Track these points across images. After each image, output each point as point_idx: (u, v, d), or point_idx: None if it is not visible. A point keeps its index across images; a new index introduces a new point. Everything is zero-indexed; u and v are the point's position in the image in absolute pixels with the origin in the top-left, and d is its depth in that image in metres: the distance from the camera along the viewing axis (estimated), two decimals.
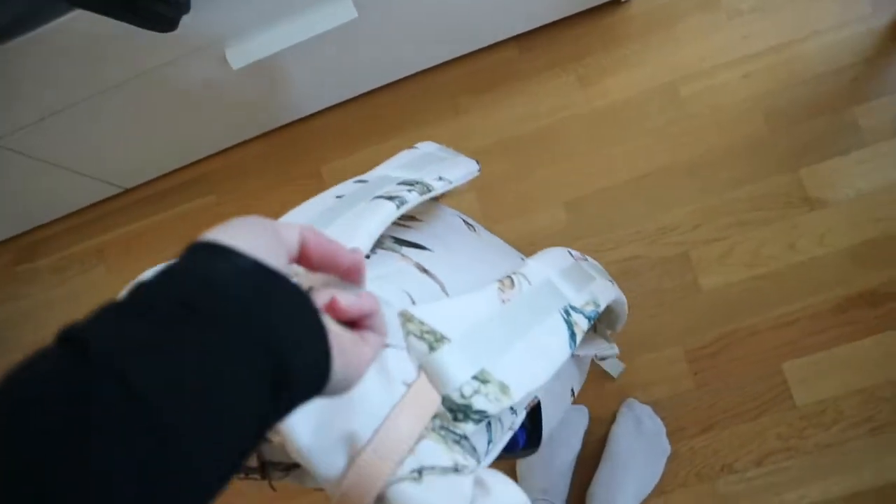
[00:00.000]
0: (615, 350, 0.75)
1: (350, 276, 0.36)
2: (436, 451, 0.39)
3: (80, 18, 0.79)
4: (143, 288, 0.27)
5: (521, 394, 0.43)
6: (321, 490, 0.42)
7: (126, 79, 0.93)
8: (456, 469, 0.39)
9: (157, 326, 0.25)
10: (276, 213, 1.12)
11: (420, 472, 0.38)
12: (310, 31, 0.91)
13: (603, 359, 0.84)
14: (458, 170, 0.63)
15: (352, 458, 0.37)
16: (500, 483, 0.40)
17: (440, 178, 0.59)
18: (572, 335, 0.51)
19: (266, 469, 0.48)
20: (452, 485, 0.38)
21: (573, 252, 0.64)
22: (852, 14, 1.05)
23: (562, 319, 0.51)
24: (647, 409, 0.99)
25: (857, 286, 0.99)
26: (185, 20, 0.77)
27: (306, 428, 0.38)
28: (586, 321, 0.54)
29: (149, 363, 0.23)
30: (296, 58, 0.99)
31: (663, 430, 0.98)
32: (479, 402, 0.41)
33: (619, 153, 1.08)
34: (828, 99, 1.03)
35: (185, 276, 0.28)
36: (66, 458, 0.21)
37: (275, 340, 0.27)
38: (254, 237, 0.30)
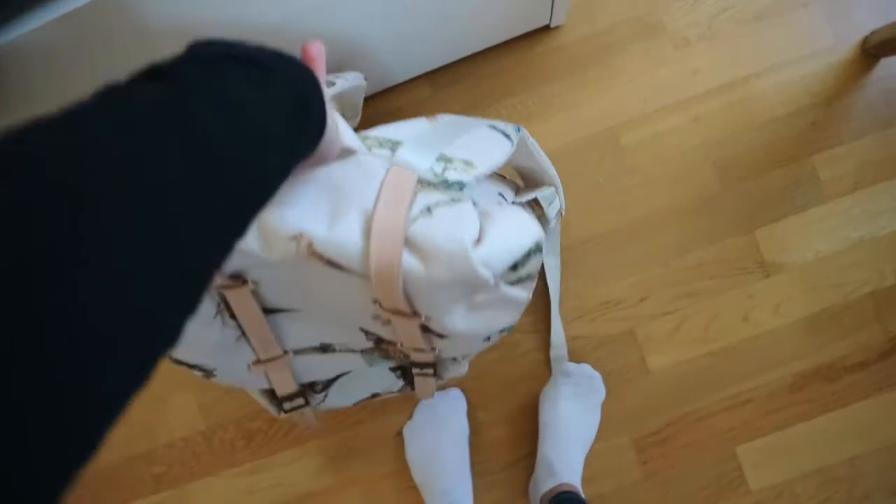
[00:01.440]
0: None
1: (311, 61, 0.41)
2: (434, 195, 0.44)
3: None
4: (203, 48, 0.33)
5: (484, 167, 0.49)
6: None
7: None
8: (457, 200, 0.44)
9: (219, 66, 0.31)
10: None
11: (429, 208, 0.43)
12: None
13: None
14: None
15: (367, 225, 0.42)
16: (503, 211, 0.46)
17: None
18: (507, 137, 0.57)
19: (306, 394, 0.60)
20: (460, 210, 0.43)
21: None
22: (812, 46, 0.91)
23: (490, 128, 0.57)
24: (582, 367, 0.90)
25: (814, 360, 0.90)
26: None
27: (320, 227, 0.42)
28: (514, 130, 0.59)
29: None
30: None
31: (598, 376, 0.90)
32: (452, 175, 0.46)
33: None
34: (785, 147, 0.91)
35: (227, 45, 0.33)
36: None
37: (299, 83, 0.35)
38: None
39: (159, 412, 0.99)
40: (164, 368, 0.98)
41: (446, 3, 0.75)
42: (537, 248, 0.47)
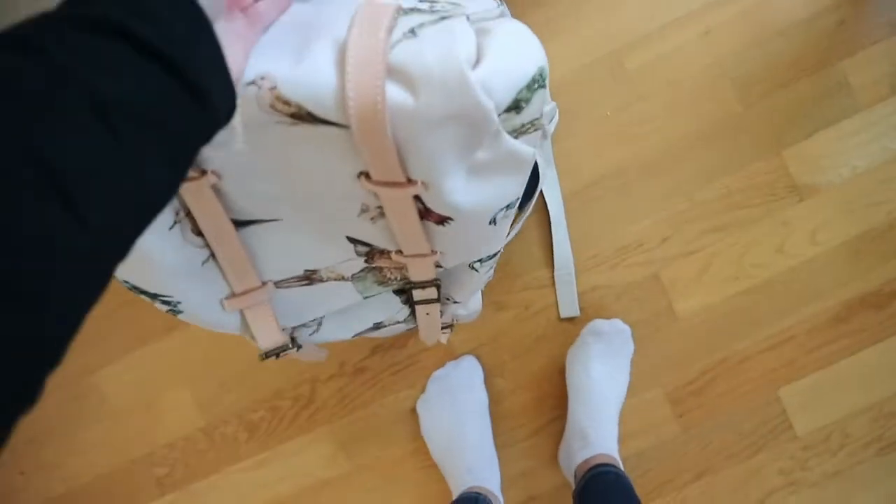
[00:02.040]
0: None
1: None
2: (419, 16, 0.37)
3: None
4: None
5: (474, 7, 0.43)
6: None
7: None
8: (445, 17, 0.37)
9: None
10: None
11: (412, 30, 0.36)
12: None
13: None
14: None
15: (340, 56, 0.35)
16: (503, 24, 0.39)
17: None
18: None
19: (295, 340, 0.55)
20: (450, 26, 0.36)
21: None
22: None
23: None
24: (613, 323, 0.82)
25: (858, 288, 0.82)
26: None
27: (284, 65, 0.36)
28: None
29: None
30: None
31: (628, 331, 0.82)
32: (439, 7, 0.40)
33: (556, 155, 0.84)
34: (810, 53, 0.81)
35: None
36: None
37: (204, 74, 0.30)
38: None
39: (154, 411, 0.92)
40: (153, 365, 0.91)
41: None
42: (542, 79, 0.39)
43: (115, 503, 0.94)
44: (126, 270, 0.44)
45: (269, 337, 0.52)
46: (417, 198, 0.42)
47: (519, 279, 0.85)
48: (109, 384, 0.93)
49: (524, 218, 0.73)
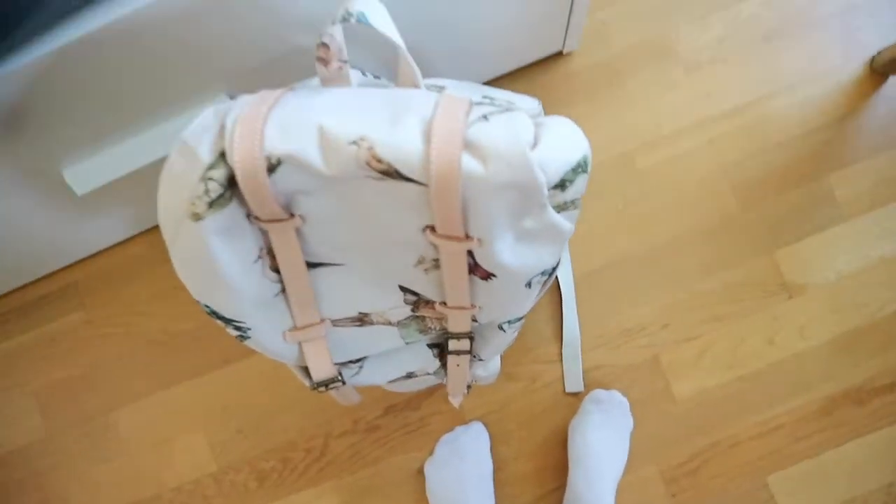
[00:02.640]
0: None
1: None
2: (488, 108, 0.46)
3: None
4: None
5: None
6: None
7: None
8: (508, 110, 0.46)
9: None
10: (163, 330, 0.87)
11: (485, 116, 0.44)
12: (151, 153, 0.70)
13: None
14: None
15: (427, 129, 0.43)
16: (555, 119, 0.47)
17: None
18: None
19: (341, 375, 0.60)
20: (514, 117, 0.44)
21: None
22: (821, 66, 0.92)
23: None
24: (612, 394, 0.87)
25: (842, 383, 0.88)
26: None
27: (381, 131, 0.43)
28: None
29: None
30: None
31: (626, 404, 0.87)
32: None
33: (570, 240, 0.92)
34: (801, 166, 0.91)
35: None
36: None
37: None
38: None
39: (166, 453, 0.95)
40: (172, 407, 0.95)
41: (457, 33, 0.75)
42: (585, 165, 0.47)
43: None
44: (208, 296, 0.50)
45: (321, 369, 0.57)
46: (470, 253, 0.49)
47: (529, 353, 0.91)
48: (125, 423, 0.96)
49: (541, 294, 0.80)
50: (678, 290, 0.90)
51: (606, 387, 0.89)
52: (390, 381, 0.65)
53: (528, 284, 0.54)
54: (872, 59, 0.91)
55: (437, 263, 0.52)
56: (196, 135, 0.46)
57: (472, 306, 0.56)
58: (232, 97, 0.71)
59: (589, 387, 0.90)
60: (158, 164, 0.76)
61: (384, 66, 0.75)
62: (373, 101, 0.46)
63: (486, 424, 0.90)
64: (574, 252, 0.91)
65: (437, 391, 0.91)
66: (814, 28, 0.92)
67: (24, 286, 1.00)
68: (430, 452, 0.89)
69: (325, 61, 0.50)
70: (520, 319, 0.62)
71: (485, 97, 0.52)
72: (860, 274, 0.89)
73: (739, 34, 0.93)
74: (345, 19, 0.48)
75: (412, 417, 0.92)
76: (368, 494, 0.91)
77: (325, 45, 0.50)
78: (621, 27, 0.95)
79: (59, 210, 0.79)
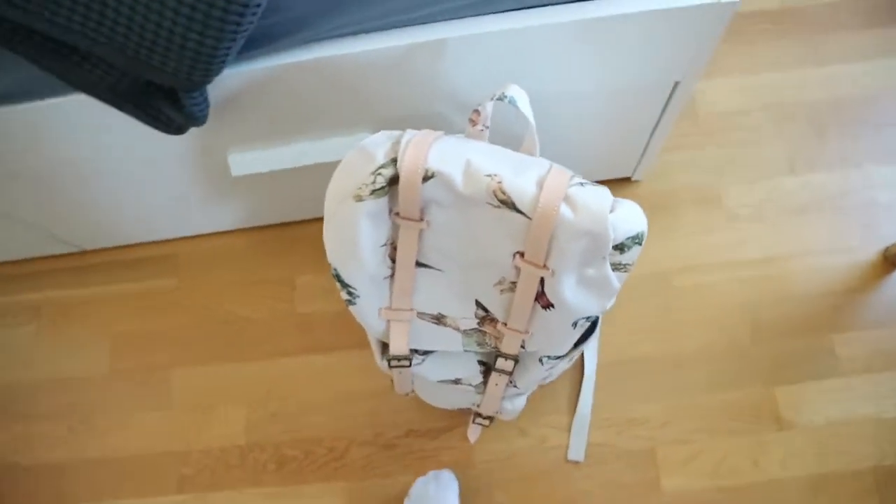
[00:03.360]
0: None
1: None
2: (583, 182, 0.61)
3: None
4: None
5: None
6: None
7: (123, 157, 0.87)
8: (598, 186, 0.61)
9: None
10: (235, 314, 1.03)
11: (581, 183, 0.60)
12: (315, 157, 0.88)
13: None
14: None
15: (541, 181, 0.60)
16: (629, 201, 0.61)
17: None
18: None
19: (410, 358, 0.75)
20: (602, 189, 0.60)
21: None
22: (841, 243, 1.08)
23: None
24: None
25: None
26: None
27: (509, 174, 0.60)
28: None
29: None
30: (302, 171, 0.95)
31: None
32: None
33: (602, 330, 1.06)
34: (810, 320, 1.05)
35: None
36: None
37: None
38: None
39: (205, 418, 1.06)
40: (224, 380, 1.07)
41: (556, 140, 0.94)
42: (641, 238, 0.61)
43: (134, 485, 1.04)
44: (342, 261, 0.65)
45: (398, 347, 0.71)
46: (541, 283, 0.64)
47: (544, 416, 1.03)
48: (179, 382, 1.09)
49: (571, 361, 0.94)
50: (683, 397, 1.02)
51: (602, 463, 1.00)
52: (439, 381, 0.78)
53: (574, 325, 0.68)
54: (886, 249, 1.07)
55: (512, 287, 0.67)
56: (374, 143, 0.63)
57: (526, 331, 0.70)
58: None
59: (588, 460, 1.00)
60: (293, 173, 0.93)
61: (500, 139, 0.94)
62: (505, 155, 0.64)
63: (489, 469, 1.01)
64: (604, 342, 1.05)
65: (456, 428, 1.03)
66: (839, 212, 1.09)
67: (134, 245, 1.17)
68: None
69: (474, 122, 0.68)
70: (558, 358, 0.75)
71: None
72: (847, 426, 1.01)
73: (777, 202, 1.11)
74: (500, 98, 0.66)
75: (428, 445, 1.03)
76: (370, 502, 1.01)
77: (477, 112, 0.68)
78: (682, 170, 1.13)
79: (206, 183, 0.97)
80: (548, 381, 0.99)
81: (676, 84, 0.86)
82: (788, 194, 1.11)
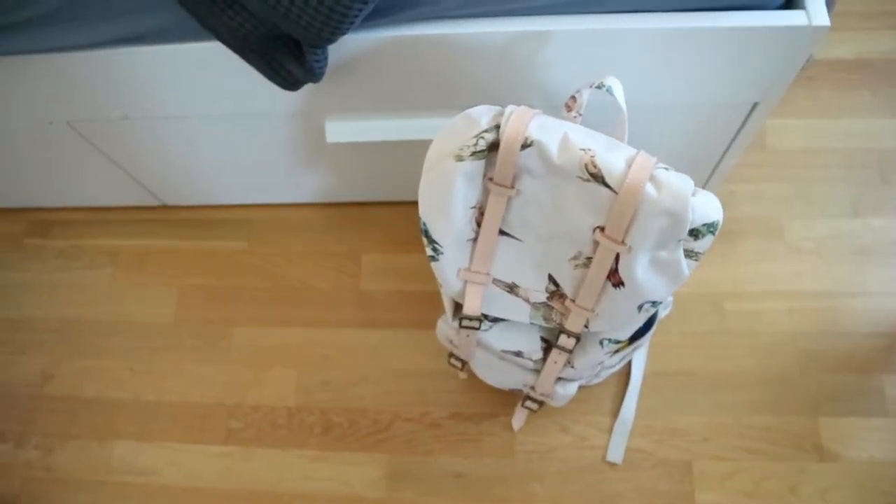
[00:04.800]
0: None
1: None
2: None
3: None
4: None
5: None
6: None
7: (223, 113, 0.93)
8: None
9: None
10: (301, 281, 1.09)
11: (666, 168, 0.63)
12: (410, 133, 0.93)
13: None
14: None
15: (629, 160, 0.63)
16: (709, 192, 0.64)
17: None
18: None
19: (481, 322, 0.79)
20: (684, 175, 0.63)
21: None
22: None
23: None
24: None
25: None
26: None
27: (601, 151, 0.63)
28: None
29: None
30: (386, 150, 1.00)
31: None
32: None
33: (653, 342, 1.08)
34: (861, 358, 1.06)
35: None
36: None
37: None
38: None
39: (260, 377, 1.11)
40: (284, 342, 1.12)
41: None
42: (715, 227, 0.64)
43: (183, 430, 1.09)
44: (432, 216, 0.70)
45: (472, 308, 0.75)
46: (615, 260, 0.68)
47: (587, 415, 1.05)
48: (241, 338, 1.14)
49: (623, 361, 0.96)
50: (726, 415, 1.04)
51: (639, 469, 1.01)
52: (503, 350, 0.82)
53: (640, 308, 0.71)
54: None
55: (587, 263, 0.70)
56: (478, 112, 0.68)
57: (592, 310, 0.73)
58: None
59: (625, 463, 1.02)
60: (374, 151, 0.99)
61: None
62: (598, 136, 0.68)
63: (529, 459, 1.03)
64: (653, 352, 1.07)
65: (501, 416, 1.06)
66: None
67: (213, 206, 1.24)
68: (474, 464, 1.02)
69: (569, 108, 0.73)
70: (617, 342, 0.78)
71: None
72: (889, 466, 1.00)
73: (838, 241, 1.13)
74: (598, 87, 0.71)
75: (472, 429, 1.05)
76: (409, 478, 1.03)
77: (574, 98, 0.72)
78: (746, 200, 1.16)
79: (298, 149, 1.03)
80: (595, 381, 1.01)
81: (755, 105, 0.90)
82: (850, 235, 1.13)
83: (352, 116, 0.93)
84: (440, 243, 0.71)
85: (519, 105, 0.70)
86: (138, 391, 1.13)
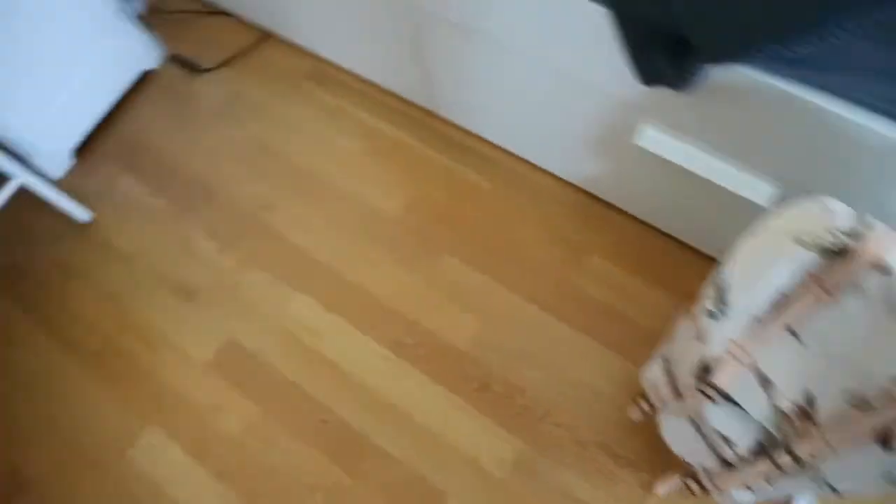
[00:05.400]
0: None
1: None
2: None
3: None
4: None
5: None
6: None
7: (560, 67, 0.94)
8: None
9: None
10: (525, 245, 1.03)
11: None
12: (716, 175, 0.89)
13: None
14: None
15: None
16: None
17: None
18: None
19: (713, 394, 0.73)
20: None
21: None
22: None
23: None
24: None
25: None
26: None
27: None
28: None
29: None
30: (678, 177, 0.96)
31: None
32: None
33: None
34: None
35: None
36: None
37: None
38: None
39: (448, 310, 1.14)
40: (480, 285, 1.14)
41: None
42: None
43: (359, 317, 1.15)
44: (735, 281, 0.66)
45: (724, 381, 0.71)
46: None
47: None
48: (447, 266, 1.18)
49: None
50: None
51: None
52: (714, 427, 0.78)
53: (885, 476, 0.64)
54: None
55: (862, 406, 0.64)
56: (835, 206, 0.62)
57: (835, 450, 0.67)
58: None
59: None
60: (676, 172, 0.95)
61: None
62: None
63: None
64: None
65: (644, 472, 1.02)
66: None
67: (475, 135, 1.27)
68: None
69: None
70: (833, 490, 0.72)
71: None
72: None
73: None
74: None
75: (610, 467, 1.03)
76: (532, 475, 1.03)
77: None
78: None
79: (599, 131, 1.01)
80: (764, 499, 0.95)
81: None
82: None
83: (670, 132, 0.89)
84: (729, 307, 0.68)
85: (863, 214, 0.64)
86: (338, 264, 1.20)
